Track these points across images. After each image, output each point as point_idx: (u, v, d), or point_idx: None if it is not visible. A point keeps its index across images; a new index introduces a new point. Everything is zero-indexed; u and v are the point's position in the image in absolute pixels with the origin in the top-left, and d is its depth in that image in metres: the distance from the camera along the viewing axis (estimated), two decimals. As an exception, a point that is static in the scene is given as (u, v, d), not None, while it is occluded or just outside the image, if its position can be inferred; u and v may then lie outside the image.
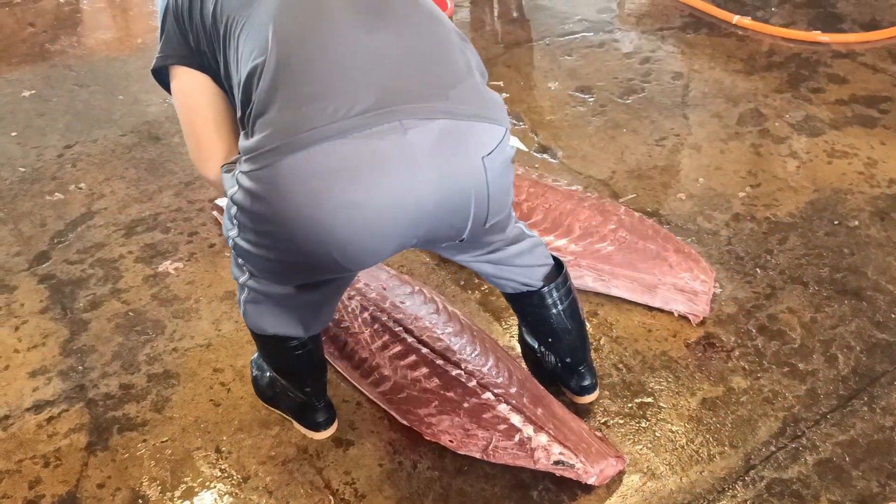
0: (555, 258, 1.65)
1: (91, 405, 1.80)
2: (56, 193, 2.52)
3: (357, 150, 1.20)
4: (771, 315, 1.92)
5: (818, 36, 3.15)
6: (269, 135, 1.22)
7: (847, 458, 1.58)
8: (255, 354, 1.81)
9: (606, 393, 1.75)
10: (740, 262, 2.08)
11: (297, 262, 1.34)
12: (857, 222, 2.20)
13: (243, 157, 1.27)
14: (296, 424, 1.71)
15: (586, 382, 1.71)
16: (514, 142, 1.32)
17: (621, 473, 1.58)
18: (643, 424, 1.68)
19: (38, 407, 1.80)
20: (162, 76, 1.58)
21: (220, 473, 1.63)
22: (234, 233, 1.38)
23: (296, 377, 1.65)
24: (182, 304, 2.06)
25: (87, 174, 2.61)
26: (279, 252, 1.33)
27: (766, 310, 1.94)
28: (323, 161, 1.20)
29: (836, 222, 2.20)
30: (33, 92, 3.13)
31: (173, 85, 1.55)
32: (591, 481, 1.53)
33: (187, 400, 1.80)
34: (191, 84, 1.52)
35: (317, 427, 1.68)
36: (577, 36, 3.29)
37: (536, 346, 1.74)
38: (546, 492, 1.55)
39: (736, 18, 3.29)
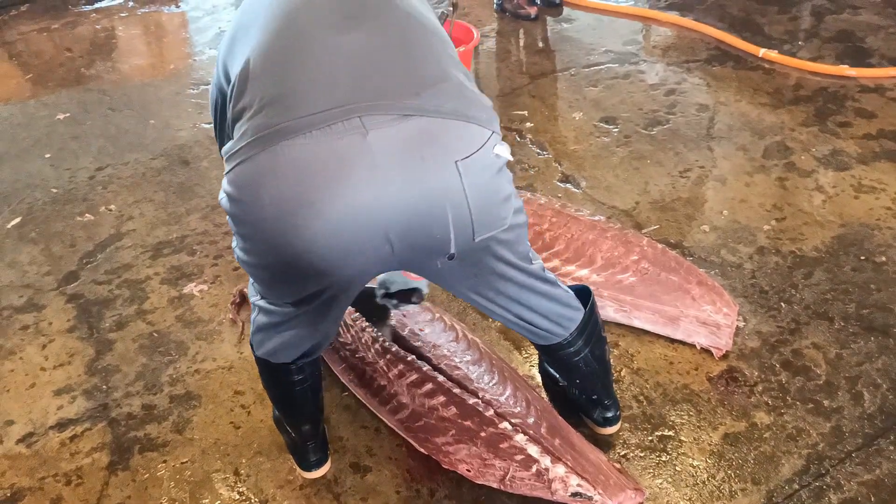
0: (581, 288, 1.60)
1: (113, 424, 1.82)
2: (87, 215, 2.57)
3: (317, 149, 1.17)
4: (795, 350, 1.90)
5: (846, 70, 3.14)
6: (240, 136, 1.23)
7: (872, 499, 1.55)
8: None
9: (626, 425, 1.74)
10: (764, 296, 2.06)
11: (277, 267, 1.29)
12: (884, 258, 2.17)
13: (224, 160, 1.27)
14: (294, 463, 1.70)
15: (610, 414, 1.70)
16: (501, 150, 1.28)
17: (640, 508, 1.56)
18: (663, 458, 1.67)
19: (61, 425, 1.83)
20: None
21: (238, 496, 1.64)
22: (233, 242, 1.37)
23: (290, 410, 1.65)
24: (206, 327, 2.09)
25: (118, 196, 2.66)
26: (259, 256, 1.29)
27: (791, 345, 1.92)
28: (284, 159, 1.18)
29: (862, 258, 2.18)
30: (68, 115, 3.21)
31: None
32: (608, 513, 1.51)
33: (208, 422, 1.81)
34: None
35: (307, 467, 1.67)
36: (602, 67, 3.31)
37: (559, 377, 1.73)
38: (564, 524, 1.54)
39: (762, 52, 3.29)
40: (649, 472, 1.63)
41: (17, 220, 2.57)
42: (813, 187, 2.49)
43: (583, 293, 1.60)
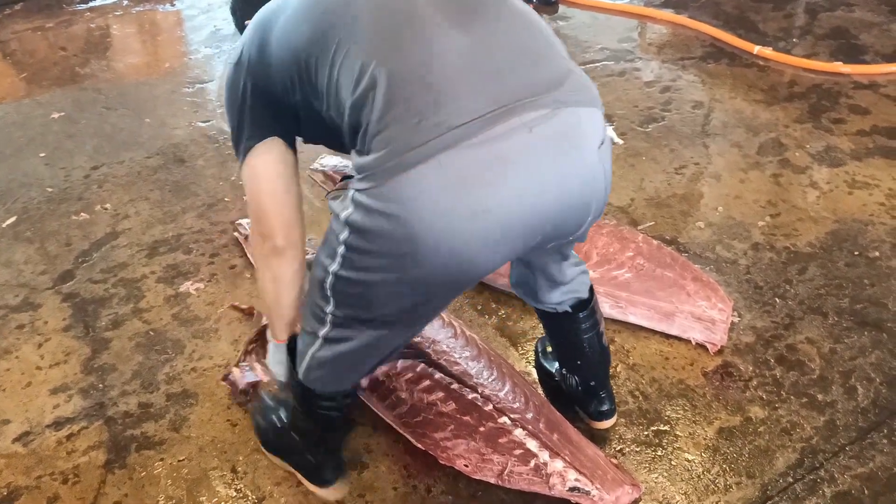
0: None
1: (110, 423, 1.82)
2: (82, 213, 2.57)
3: (482, 155, 1.16)
4: (790, 345, 1.91)
5: (840, 67, 3.15)
6: (389, 150, 1.17)
7: (866, 492, 1.56)
8: (259, 403, 1.71)
9: (622, 420, 1.74)
10: (759, 292, 2.07)
11: (413, 281, 1.24)
12: (877, 253, 2.18)
13: (359, 176, 1.21)
14: (301, 479, 1.64)
15: (605, 407, 1.70)
16: (610, 132, 1.30)
17: (637, 501, 1.56)
18: (659, 453, 1.67)
19: (58, 424, 1.83)
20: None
21: (235, 494, 1.64)
22: (334, 266, 1.28)
23: (322, 437, 1.59)
24: (202, 325, 2.09)
25: (113, 195, 2.66)
26: (397, 271, 1.23)
27: (785, 340, 1.93)
28: (448, 171, 1.15)
29: (856, 253, 2.19)
30: (63, 114, 3.20)
31: (249, 160, 1.45)
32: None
33: (205, 420, 1.81)
34: (267, 155, 1.43)
35: (324, 483, 1.62)
36: (598, 64, 3.31)
37: (556, 369, 1.74)
38: (560, 519, 1.54)
39: (757, 49, 3.30)
40: (645, 467, 1.64)
41: (12, 219, 2.57)
42: (807, 183, 2.50)
43: None
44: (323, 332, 1.39)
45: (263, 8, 1.44)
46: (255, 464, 1.70)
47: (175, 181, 2.71)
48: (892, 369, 1.83)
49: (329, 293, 1.32)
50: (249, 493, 1.64)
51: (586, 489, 1.53)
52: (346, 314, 1.35)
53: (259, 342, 1.95)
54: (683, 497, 1.57)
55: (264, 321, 2.05)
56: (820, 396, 1.77)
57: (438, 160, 1.15)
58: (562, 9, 3.80)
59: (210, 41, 3.81)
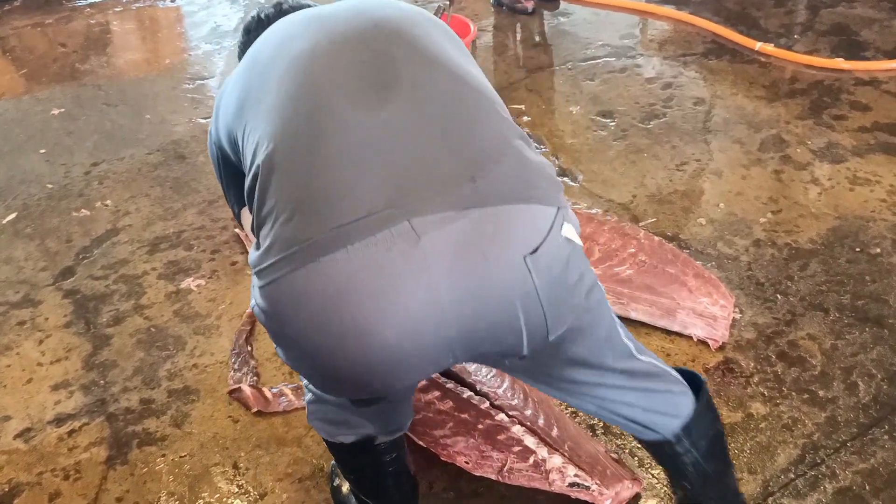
0: (692, 377, 1.32)
1: (111, 419, 1.82)
2: (82, 210, 2.57)
3: (361, 265, 0.99)
4: (791, 341, 1.91)
5: (841, 63, 3.15)
6: (267, 248, 1.05)
7: (867, 487, 1.56)
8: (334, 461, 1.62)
9: (624, 417, 1.74)
10: (760, 288, 2.07)
11: (327, 378, 1.17)
12: (879, 250, 2.18)
13: (252, 270, 1.10)
14: None
15: None
16: (569, 230, 1.10)
17: (637, 497, 1.56)
18: (660, 449, 1.67)
19: (59, 420, 1.83)
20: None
21: (237, 489, 1.64)
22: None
23: (378, 494, 1.45)
24: (203, 321, 2.09)
25: (114, 192, 2.66)
26: (304, 367, 1.16)
27: (787, 336, 1.93)
28: (324, 280, 1.00)
29: (857, 249, 2.19)
30: (63, 110, 3.20)
31: (243, 226, 1.52)
32: (607, 502, 1.52)
33: (206, 416, 1.81)
34: (245, 216, 1.44)
35: None
36: (599, 61, 3.31)
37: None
38: (562, 515, 1.54)
39: (758, 45, 3.30)
40: (646, 462, 1.64)
41: (13, 215, 2.57)
42: (808, 180, 2.50)
43: (691, 378, 1.33)
44: (305, 382, 1.33)
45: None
46: (257, 460, 1.70)
47: (175, 178, 2.71)
48: (893, 365, 1.82)
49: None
50: (251, 490, 1.64)
51: (585, 484, 1.53)
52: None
53: (247, 341, 1.96)
54: (685, 493, 1.57)
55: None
56: (821, 392, 1.77)
57: (314, 267, 1.00)
58: (563, 5, 3.79)
59: (210, 37, 3.81)
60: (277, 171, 1.07)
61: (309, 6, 1.46)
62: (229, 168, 1.39)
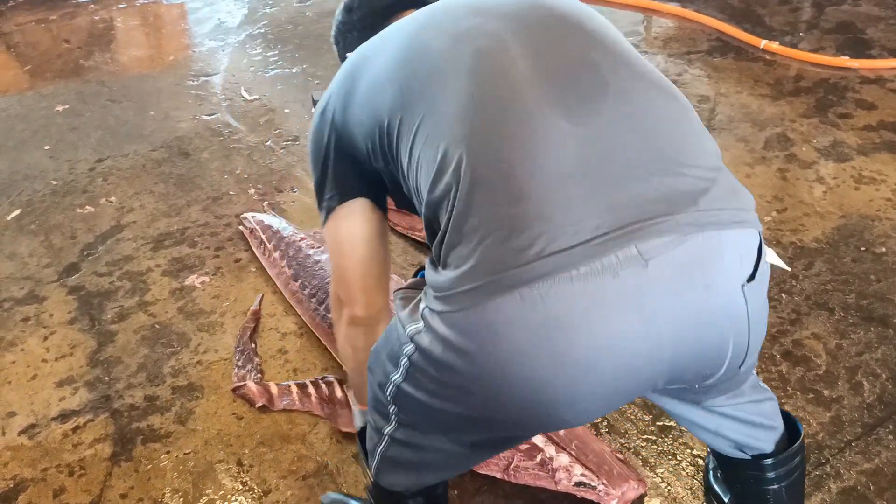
0: (790, 420, 1.31)
1: (116, 416, 1.82)
2: (87, 206, 2.57)
3: (582, 292, 0.92)
4: (796, 341, 1.90)
5: (846, 61, 3.14)
6: (467, 271, 0.95)
7: (871, 487, 1.56)
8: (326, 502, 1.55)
9: (628, 415, 1.74)
10: (765, 287, 2.07)
11: (490, 420, 1.06)
12: (884, 249, 2.18)
13: (433, 294, 1.00)
14: None
15: None
16: (772, 257, 1.09)
17: (642, 497, 1.56)
18: (665, 448, 1.67)
19: (64, 416, 1.83)
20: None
21: (241, 486, 1.64)
22: (397, 377, 1.07)
23: None
24: (207, 318, 2.09)
25: (118, 188, 2.66)
26: (468, 408, 1.04)
27: (791, 335, 1.92)
28: (538, 307, 0.92)
29: (862, 248, 2.18)
30: (67, 107, 3.20)
31: (331, 224, 1.31)
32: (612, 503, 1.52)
33: (210, 413, 1.81)
34: (351, 217, 1.29)
35: None
36: (602, 58, 3.30)
37: (729, 500, 1.42)
38: (566, 514, 1.55)
39: (763, 43, 3.29)
40: (651, 462, 1.64)
41: (17, 212, 2.57)
42: (813, 178, 2.49)
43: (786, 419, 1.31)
44: (388, 429, 1.18)
45: (361, 47, 1.24)
46: (261, 457, 1.70)
47: (180, 174, 2.71)
48: (898, 365, 1.82)
49: (390, 399, 1.12)
50: (255, 486, 1.64)
51: (592, 484, 1.53)
52: (412, 420, 1.14)
53: (249, 341, 1.96)
54: (689, 492, 1.57)
55: (247, 323, 2.06)
56: (826, 392, 1.77)
57: (527, 293, 0.92)
58: (567, 2, 3.79)
59: (214, 34, 3.80)
60: (482, 185, 0.97)
61: None
62: (342, 155, 1.24)
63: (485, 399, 1.00)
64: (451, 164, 1.00)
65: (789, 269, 1.00)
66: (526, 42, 1.07)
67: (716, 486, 1.45)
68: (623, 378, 0.98)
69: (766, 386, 1.28)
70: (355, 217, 1.28)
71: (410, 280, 1.18)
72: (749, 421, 1.24)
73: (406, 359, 1.05)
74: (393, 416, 1.15)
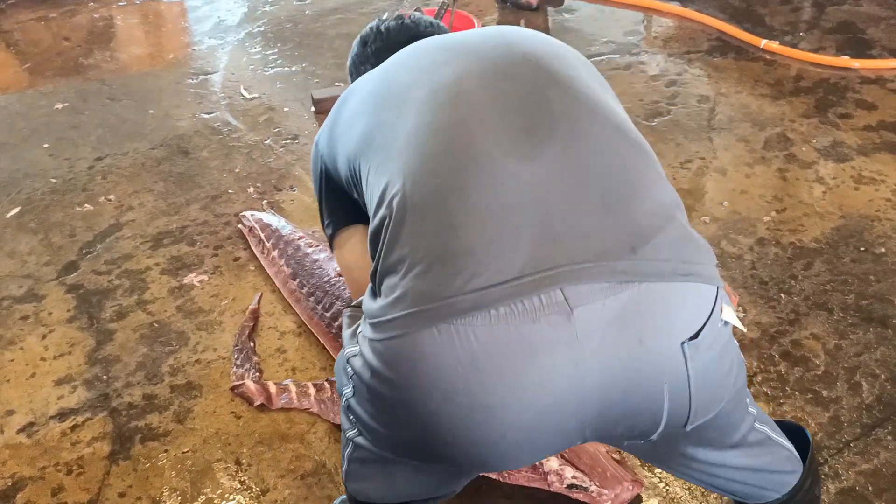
0: (795, 428, 1.28)
1: (114, 414, 1.82)
2: (86, 205, 2.57)
3: (503, 334, 0.89)
4: (794, 341, 1.90)
5: (847, 61, 3.13)
6: (394, 300, 0.94)
7: (870, 488, 1.56)
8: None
9: (626, 416, 1.74)
10: (764, 287, 2.07)
11: (420, 450, 1.05)
12: (883, 249, 2.18)
13: (367, 319, 1.00)
14: None
15: None
16: (728, 313, 0.98)
17: (639, 498, 1.56)
18: (663, 448, 1.67)
19: (62, 415, 1.83)
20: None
21: (239, 485, 1.64)
22: (348, 391, 1.10)
23: None
24: (206, 317, 2.09)
25: (117, 186, 2.66)
26: (399, 434, 1.04)
27: (790, 335, 1.92)
28: (458, 344, 0.89)
29: (862, 249, 2.18)
30: (66, 105, 3.20)
31: (336, 252, 1.44)
32: (606, 502, 1.51)
33: (209, 412, 1.81)
34: (348, 245, 1.37)
35: None
36: (603, 58, 3.30)
37: None
38: (564, 514, 1.54)
39: (763, 43, 3.28)
40: (647, 464, 1.64)
41: (17, 209, 2.57)
42: (813, 178, 2.49)
43: (797, 434, 1.29)
44: (351, 434, 1.18)
45: (355, 82, 1.26)
46: (260, 456, 1.70)
47: (179, 173, 2.71)
48: (897, 366, 1.82)
49: (346, 409, 1.15)
50: (253, 486, 1.64)
51: (584, 486, 1.53)
52: (367, 434, 1.13)
53: (248, 339, 1.96)
54: (687, 492, 1.57)
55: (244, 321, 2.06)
56: (825, 392, 1.77)
57: (441, 329, 0.90)
58: (567, 1, 3.78)
59: (214, 32, 3.80)
60: (414, 215, 0.96)
61: (435, 25, 1.39)
62: (332, 185, 1.28)
63: (411, 430, 0.99)
64: (388, 196, 1.00)
65: (745, 329, 0.94)
66: (482, 78, 1.08)
67: None
68: (542, 429, 0.94)
69: (779, 439, 1.20)
70: (353, 243, 1.32)
71: (359, 299, 1.16)
72: (752, 482, 1.19)
73: (349, 377, 1.07)
74: (354, 424, 1.16)
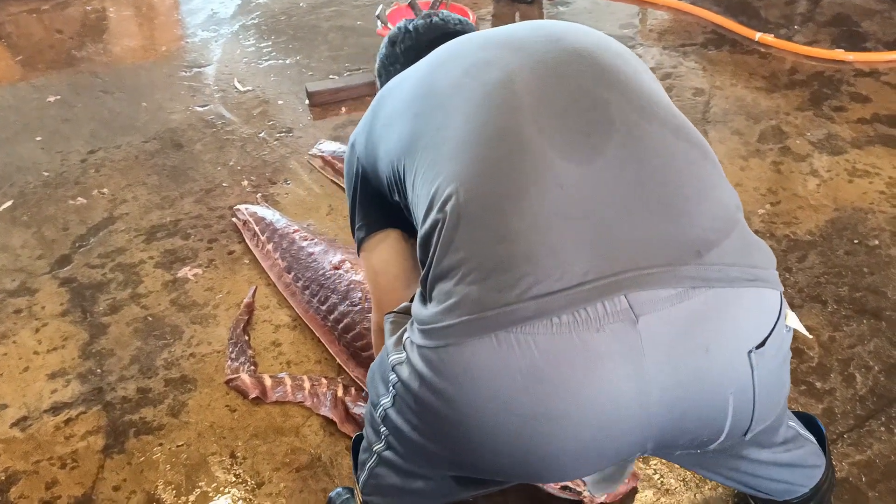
0: (808, 419, 1.30)
1: (108, 408, 1.82)
2: (79, 198, 2.56)
3: (566, 343, 0.86)
4: (789, 333, 1.91)
5: (841, 54, 3.14)
6: (449, 307, 0.91)
7: (863, 479, 1.56)
8: (335, 497, 1.49)
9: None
10: (758, 280, 2.07)
11: (464, 463, 1.01)
12: (877, 242, 2.18)
13: (417, 326, 0.97)
14: None
15: None
16: (793, 321, 0.97)
17: (634, 490, 1.56)
18: (658, 440, 1.67)
19: (56, 409, 1.82)
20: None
21: (234, 479, 1.64)
22: (386, 401, 1.05)
23: None
24: (200, 310, 2.08)
25: (110, 179, 2.64)
26: (443, 447, 0.99)
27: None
28: (515, 353, 0.86)
29: (856, 241, 2.19)
30: (59, 98, 3.18)
31: (364, 256, 1.35)
32: (600, 500, 1.51)
33: (203, 405, 1.81)
34: (379, 248, 1.30)
35: None
36: (597, 50, 3.29)
37: None
38: (559, 506, 1.55)
39: (758, 35, 3.28)
40: (643, 457, 1.64)
41: (9, 203, 2.56)
42: (807, 171, 2.49)
43: (811, 424, 1.30)
44: (378, 447, 1.15)
45: (389, 82, 1.23)
46: (254, 449, 1.70)
47: (173, 166, 2.70)
48: (890, 357, 1.83)
49: (380, 420, 1.09)
50: (248, 479, 1.64)
51: (577, 489, 1.52)
52: (400, 449, 1.10)
53: (242, 333, 1.95)
54: (681, 483, 1.58)
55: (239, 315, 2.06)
56: (818, 384, 1.77)
57: (506, 337, 0.86)
58: (562, -6, 3.78)
59: (207, 24, 3.78)
60: (469, 220, 0.92)
61: (464, 23, 1.35)
62: (368, 188, 1.25)
63: (460, 441, 0.95)
64: (440, 200, 0.96)
65: (811, 336, 0.91)
66: (534, 76, 1.03)
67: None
68: (605, 440, 0.91)
69: (807, 435, 1.23)
70: (387, 250, 1.28)
71: (404, 304, 1.14)
72: (784, 479, 1.20)
73: (392, 386, 1.02)
74: (384, 437, 1.13)
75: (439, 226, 0.96)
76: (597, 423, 0.89)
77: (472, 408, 0.90)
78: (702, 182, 0.97)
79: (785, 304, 0.97)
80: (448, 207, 0.95)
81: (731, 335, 0.90)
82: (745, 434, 0.99)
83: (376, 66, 1.48)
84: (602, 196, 0.92)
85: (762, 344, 0.91)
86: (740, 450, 1.11)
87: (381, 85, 1.43)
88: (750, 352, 0.90)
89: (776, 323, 0.93)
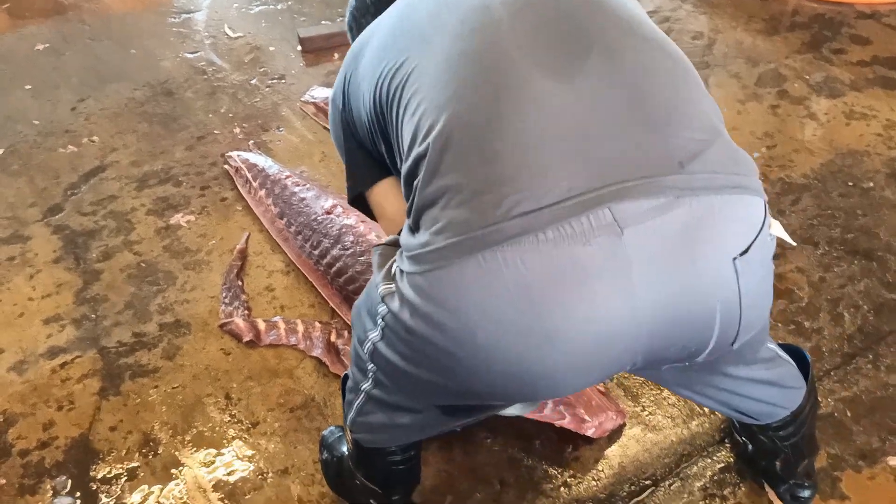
0: (794, 350, 1.31)
1: (104, 352, 1.83)
2: (69, 146, 2.54)
3: (553, 258, 0.86)
4: (779, 274, 1.91)
5: (842, -5, 3.08)
6: (436, 231, 0.91)
7: (849, 414, 1.58)
8: (328, 435, 1.49)
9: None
10: (751, 222, 2.06)
11: (457, 390, 1.02)
12: (871, 184, 2.17)
13: (405, 254, 0.96)
14: None
15: (804, 494, 1.36)
16: (777, 229, 0.99)
17: (622, 427, 1.59)
18: (644, 380, 1.69)
19: (52, 353, 1.84)
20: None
21: (229, 419, 1.66)
22: (375, 335, 1.05)
23: (387, 486, 1.36)
24: (193, 257, 2.08)
25: (100, 127, 2.62)
26: (436, 374, 0.99)
27: (776, 269, 1.92)
28: (503, 272, 0.86)
29: (850, 184, 2.18)
30: (47, 46, 3.14)
31: (375, 206, 1.33)
32: (588, 433, 1.54)
33: (198, 349, 1.82)
34: (379, 195, 1.29)
35: None
36: (594, -6, 3.23)
37: (749, 446, 1.43)
38: (548, 441, 1.57)
39: (757, -23, 3.22)
40: (634, 392, 1.66)
41: (0, 152, 2.54)
42: (805, 115, 2.47)
43: (797, 355, 1.32)
44: (366, 386, 1.16)
45: (365, 30, 1.22)
46: (249, 391, 1.72)
47: (163, 113, 2.67)
48: (879, 297, 1.83)
49: (368, 356, 1.10)
50: (243, 419, 1.66)
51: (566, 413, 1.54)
52: (388, 381, 1.11)
53: (237, 278, 1.95)
54: (669, 420, 1.60)
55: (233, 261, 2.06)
56: (807, 324, 1.78)
57: (486, 256, 0.86)
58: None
59: (197, -30, 3.71)
60: (452, 146, 0.92)
61: None
62: (358, 141, 1.24)
63: (453, 366, 0.95)
64: (422, 131, 0.96)
65: (794, 244, 0.92)
66: (510, 3, 1.02)
67: (737, 436, 1.47)
68: (596, 355, 0.92)
69: (785, 357, 1.25)
70: (389, 196, 1.27)
71: (391, 237, 1.14)
72: (765, 399, 1.22)
73: (381, 318, 1.02)
74: (370, 374, 1.14)
75: (423, 157, 0.96)
76: (589, 336, 0.90)
77: (463, 330, 0.91)
78: (682, 94, 0.97)
79: (768, 212, 0.98)
80: (431, 138, 0.95)
81: (717, 242, 0.91)
82: (733, 343, 1.00)
83: (346, 19, 1.46)
84: (584, 112, 0.92)
85: (746, 251, 0.92)
86: (723, 366, 1.13)
87: (353, 38, 1.39)
88: (735, 258, 0.91)
89: (760, 230, 0.94)
